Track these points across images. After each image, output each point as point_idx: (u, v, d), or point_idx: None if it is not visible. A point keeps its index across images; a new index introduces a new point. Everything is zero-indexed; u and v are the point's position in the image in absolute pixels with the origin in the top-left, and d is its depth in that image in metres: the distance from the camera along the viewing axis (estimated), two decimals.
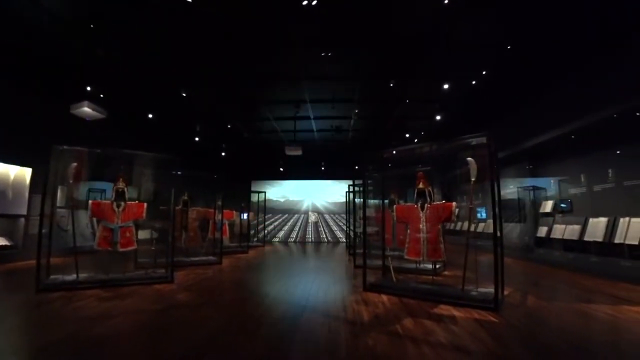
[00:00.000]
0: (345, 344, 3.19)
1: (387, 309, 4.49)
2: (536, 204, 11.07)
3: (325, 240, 18.38)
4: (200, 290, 5.60)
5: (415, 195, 5.50)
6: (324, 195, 19.45)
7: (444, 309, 4.51)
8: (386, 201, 6.81)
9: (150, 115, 11.66)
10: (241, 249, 11.77)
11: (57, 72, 8.41)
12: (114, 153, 6.18)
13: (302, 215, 19.26)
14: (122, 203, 5.91)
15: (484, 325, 3.81)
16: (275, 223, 19.00)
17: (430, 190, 5.48)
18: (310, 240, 18.38)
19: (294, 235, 18.67)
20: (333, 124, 12.77)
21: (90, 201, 5.83)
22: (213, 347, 3.08)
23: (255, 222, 16.37)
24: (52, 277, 5.63)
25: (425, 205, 5.37)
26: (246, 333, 3.50)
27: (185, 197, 8.84)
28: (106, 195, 13.41)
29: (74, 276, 5.73)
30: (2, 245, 8.47)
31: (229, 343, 3.21)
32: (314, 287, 6.30)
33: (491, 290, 4.63)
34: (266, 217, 17.30)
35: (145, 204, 6.13)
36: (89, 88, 8.89)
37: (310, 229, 18.78)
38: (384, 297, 5.13)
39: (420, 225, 5.33)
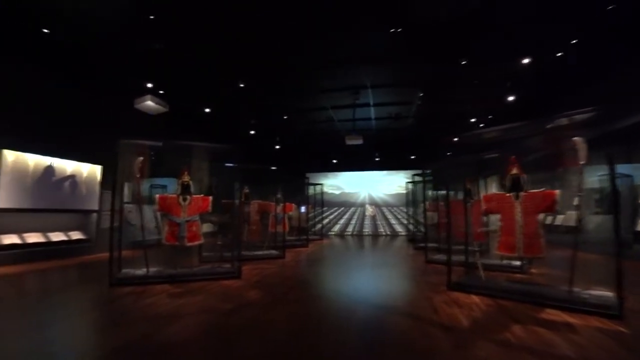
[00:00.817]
0: (452, 354, 2.71)
1: (485, 313, 3.92)
2: (635, 193, 9.68)
3: (383, 233, 17.76)
4: (268, 287, 5.36)
5: (507, 182, 4.81)
6: (380, 186, 18.79)
7: (553, 314, 3.87)
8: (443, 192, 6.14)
9: (207, 110, 11.77)
10: (300, 243, 11.56)
11: (118, 70, 8.64)
12: (177, 146, 6.10)
13: (359, 208, 18.76)
14: (188, 197, 5.81)
15: (613, 337, 3.14)
16: (331, 216, 18.68)
17: (525, 177, 4.77)
18: (367, 233, 17.86)
19: (350, 228, 18.26)
20: (392, 112, 12.08)
21: (157, 195, 5.80)
22: (295, 354, 2.74)
23: (311, 215, 16.10)
24: (123, 271, 5.69)
25: (520, 193, 4.68)
26: (327, 337, 3.13)
27: (247, 190, 8.73)
28: (167, 191, 13.94)
29: (144, 270, 5.73)
30: (78, 239, 8.93)
31: (310, 348, 2.86)
32: (388, 284, 5.85)
33: (606, 293, 3.98)
34: (322, 210, 17.04)
35: (210, 197, 6.00)
36: (150, 85, 9.07)
37: (367, 221, 18.25)
38: (475, 298, 4.54)
39: (516, 217, 4.64)
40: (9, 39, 7.23)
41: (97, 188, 9.50)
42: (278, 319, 3.69)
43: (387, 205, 18.49)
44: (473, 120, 13.04)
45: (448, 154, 14.96)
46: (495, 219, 5.18)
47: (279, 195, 10.19)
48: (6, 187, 7.49)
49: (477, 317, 3.73)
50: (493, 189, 7.31)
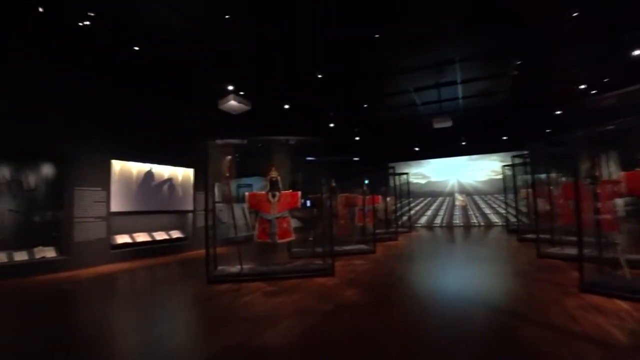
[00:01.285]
0: None
1: None
2: None
3: (476, 223, 16.40)
4: (366, 286, 5.04)
5: None
6: (470, 173, 17.33)
7: None
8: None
9: (286, 106, 11.82)
10: (389, 236, 11.09)
11: (200, 76, 8.99)
12: (263, 142, 6.07)
13: (447, 198, 17.55)
14: (277, 193, 5.74)
15: None
16: (417, 207, 17.78)
17: None
18: (458, 224, 16.66)
19: (438, 219, 17.20)
20: (480, 88, 10.82)
21: (246, 193, 5.82)
22: None
23: (397, 206, 15.43)
24: (219, 268, 5.83)
25: None
26: (446, 350, 2.68)
27: (333, 184, 8.52)
28: (253, 190, 14.48)
29: (238, 268, 5.82)
30: (177, 237, 9.58)
31: None
32: (502, 283, 5.16)
33: None
34: (409, 201, 16.27)
35: (299, 193, 5.88)
36: (230, 87, 9.29)
37: (457, 212, 17.00)
38: (622, 304, 3.71)
39: None
40: (104, 60, 7.86)
41: (191, 190, 10.08)
42: (384, 324, 3.34)
43: (479, 192, 16.98)
44: (583, 87, 11.23)
45: (547, 131, 13.26)
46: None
47: (365, 187, 9.86)
48: (116, 193, 8.25)
49: (636, 330, 2.98)
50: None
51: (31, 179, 7.69)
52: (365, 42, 8.17)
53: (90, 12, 6.48)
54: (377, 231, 10.86)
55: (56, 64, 7.51)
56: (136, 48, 7.75)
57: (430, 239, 11.95)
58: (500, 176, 15.01)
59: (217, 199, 10.41)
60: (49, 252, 7.22)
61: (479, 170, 17.14)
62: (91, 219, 7.68)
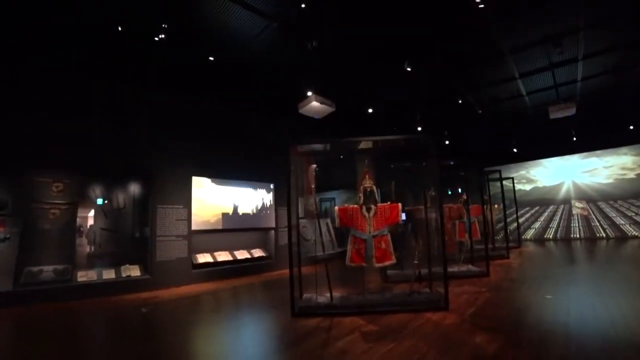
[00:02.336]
0: None
1: None
2: None
3: (603, 235, 13.59)
4: (497, 328, 3.77)
5: None
6: (591, 173, 14.52)
7: None
8: None
9: (370, 110, 10.85)
10: (498, 253, 9.41)
11: (276, 83, 8.48)
12: (351, 143, 5.15)
13: (561, 206, 14.91)
14: (372, 206, 4.75)
15: None
16: (521, 218, 15.35)
17: None
18: (578, 236, 13.99)
19: (550, 232, 14.67)
20: (607, 64, 8.55)
21: (336, 207, 4.89)
22: None
23: (505, 218, 13.41)
24: (305, 296, 5.00)
25: None
26: None
27: (433, 193, 7.27)
28: (335, 204, 13.80)
29: (327, 296, 4.91)
30: (259, 256, 9.07)
31: None
32: None
33: None
34: (516, 210, 14.06)
35: (399, 205, 4.81)
36: (310, 93, 8.60)
37: (577, 222, 14.31)
38: None
39: None
40: (180, 74, 7.67)
41: (273, 205, 9.57)
42: None
43: (606, 197, 14.03)
44: None
45: None
46: None
47: (464, 197, 8.43)
48: (197, 211, 7.98)
49: None
50: None
51: (120, 198, 7.75)
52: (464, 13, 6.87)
53: (164, 23, 6.25)
54: (481, 247, 9.30)
55: (135, 80, 7.46)
56: (211, 58, 7.44)
57: (550, 256, 9.96)
58: (636, 174, 12.25)
59: (300, 215, 9.87)
60: (134, 271, 7.09)
61: (602, 169, 14.23)
62: (173, 237, 7.44)
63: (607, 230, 13.59)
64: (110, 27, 6.13)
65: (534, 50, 8.34)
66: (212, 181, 8.43)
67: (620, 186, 13.68)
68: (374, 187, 4.78)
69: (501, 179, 11.64)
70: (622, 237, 13.11)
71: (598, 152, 14.25)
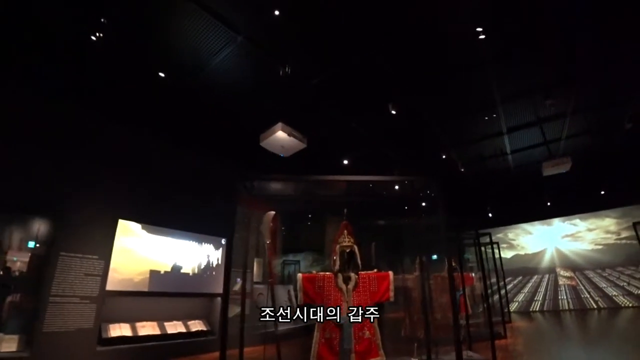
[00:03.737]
0: None
1: None
2: None
3: (594, 306, 12.42)
4: None
5: None
6: (575, 238, 13.71)
7: None
8: None
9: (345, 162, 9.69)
10: (491, 332, 7.95)
11: (235, 118, 7.24)
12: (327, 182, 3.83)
13: (546, 275, 13.85)
14: (353, 275, 3.31)
15: None
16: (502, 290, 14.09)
17: None
18: (567, 308, 12.81)
19: (536, 304, 13.46)
20: (628, 117, 7.82)
21: (299, 275, 3.38)
22: None
23: (486, 288, 12.09)
24: None
25: None
26: None
27: (424, 259, 5.90)
28: (299, 268, 11.85)
29: None
30: (199, 331, 7.11)
31: None
32: None
33: None
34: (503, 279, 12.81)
35: (390, 274, 3.40)
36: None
37: (565, 294, 13.19)
38: None
39: None
40: (117, 93, 6.30)
41: (222, 265, 7.84)
42: None
43: (592, 264, 13.06)
44: None
45: None
46: None
47: (453, 263, 7.13)
48: (118, 265, 6.18)
49: None
50: None
51: (14, 239, 5.85)
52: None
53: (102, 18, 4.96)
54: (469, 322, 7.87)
55: (51, 90, 5.95)
56: (162, 75, 6.13)
57: (553, 332, 8.60)
58: (625, 240, 11.51)
59: (256, 279, 8.22)
60: (9, 344, 5.07)
61: (586, 232, 13.47)
62: (76, 298, 5.52)
63: (598, 302, 12.47)
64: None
65: (519, 103, 7.66)
66: (144, 228, 6.71)
67: (607, 251, 12.90)
68: (356, 248, 3.38)
69: (492, 243, 10.51)
70: (616, 308, 12.03)
71: (581, 215, 13.64)
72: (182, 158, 7.82)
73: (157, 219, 6.87)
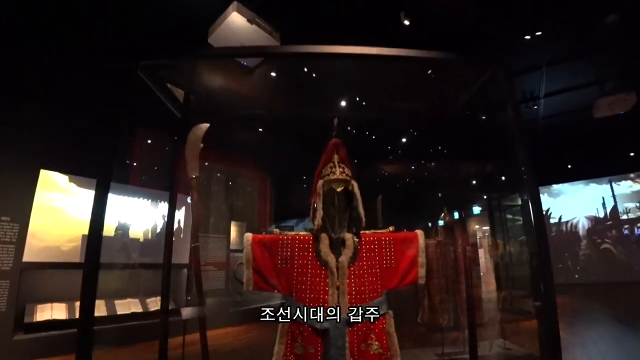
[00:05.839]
0: None
1: None
2: None
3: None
4: None
5: None
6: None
7: None
8: None
9: None
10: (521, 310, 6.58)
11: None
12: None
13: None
14: (350, 236, 1.81)
15: None
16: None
17: None
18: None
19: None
20: None
21: (247, 236, 1.85)
22: None
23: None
24: None
25: None
26: None
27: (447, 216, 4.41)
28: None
29: None
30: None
31: None
32: None
33: None
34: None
35: (420, 235, 1.88)
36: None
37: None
38: None
39: None
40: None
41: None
42: None
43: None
44: None
45: None
46: None
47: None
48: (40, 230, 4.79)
49: None
50: None
51: None
52: None
53: None
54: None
55: None
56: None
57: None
58: None
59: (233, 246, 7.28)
60: None
61: None
62: None
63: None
64: None
65: None
66: (72, 180, 5.25)
67: None
68: (355, 186, 1.84)
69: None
70: None
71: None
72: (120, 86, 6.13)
73: (91, 170, 5.33)
